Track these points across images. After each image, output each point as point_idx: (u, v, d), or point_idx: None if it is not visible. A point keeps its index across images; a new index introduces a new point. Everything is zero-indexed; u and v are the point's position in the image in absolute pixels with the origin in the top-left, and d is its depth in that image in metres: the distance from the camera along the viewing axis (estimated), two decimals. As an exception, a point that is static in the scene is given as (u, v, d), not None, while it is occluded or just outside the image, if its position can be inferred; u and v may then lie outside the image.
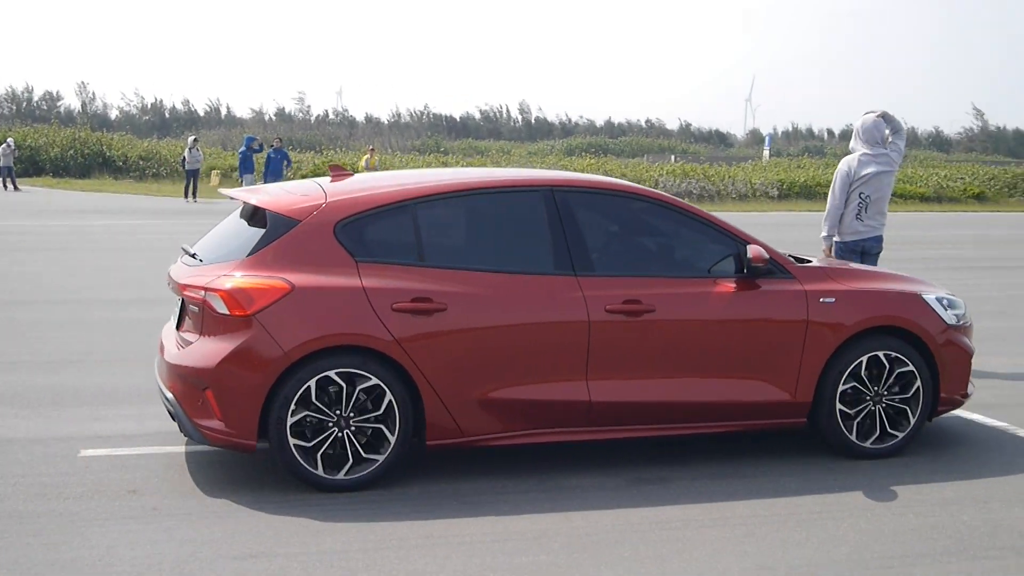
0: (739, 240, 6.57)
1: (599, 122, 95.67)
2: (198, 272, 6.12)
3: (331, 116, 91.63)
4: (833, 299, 6.59)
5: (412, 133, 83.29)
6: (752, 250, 6.42)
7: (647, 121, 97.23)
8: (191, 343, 5.99)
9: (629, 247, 6.76)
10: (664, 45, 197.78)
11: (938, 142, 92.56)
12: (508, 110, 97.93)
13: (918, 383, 6.68)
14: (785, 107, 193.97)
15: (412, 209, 6.20)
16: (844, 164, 9.16)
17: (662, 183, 35.29)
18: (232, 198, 6.68)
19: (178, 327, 6.31)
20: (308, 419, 5.78)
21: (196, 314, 5.98)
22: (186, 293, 6.06)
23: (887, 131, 9.28)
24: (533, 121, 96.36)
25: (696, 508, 5.78)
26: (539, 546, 5.20)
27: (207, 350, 5.83)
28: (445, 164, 42.38)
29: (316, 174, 37.01)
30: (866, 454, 6.65)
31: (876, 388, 6.64)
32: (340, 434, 5.81)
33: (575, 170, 36.45)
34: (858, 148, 9.11)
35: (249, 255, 5.96)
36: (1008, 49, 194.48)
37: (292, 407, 5.74)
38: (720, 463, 6.56)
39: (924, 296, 6.89)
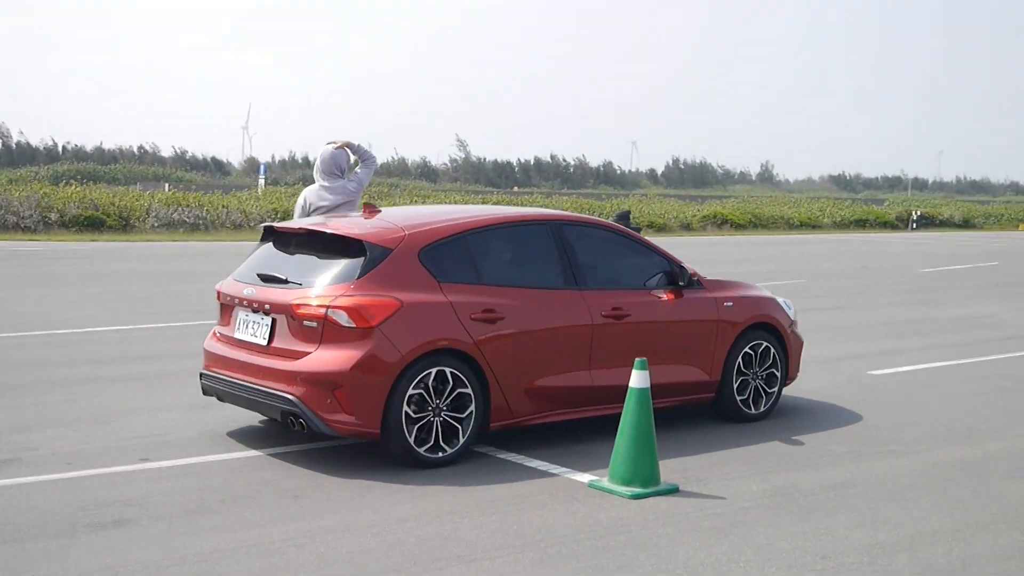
0: (673, 262, 8.67)
1: (88, 148, 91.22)
2: (303, 293, 7.27)
3: None
4: (731, 303, 8.86)
5: None
6: (690, 269, 8.73)
7: (140, 148, 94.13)
8: (308, 353, 7.12)
9: (606, 266, 8.52)
10: (158, 67, 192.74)
11: (426, 172, 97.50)
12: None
13: (779, 364, 9.11)
14: (283, 135, 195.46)
15: (467, 239, 7.76)
16: (301, 197, 9.36)
17: (154, 212, 34.04)
18: (302, 229, 7.82)
19: (269, 342, 7.37)
20: (416, 409, 7.15)
21: (313, 328, 7.13)
22: (300, 311, 7.16)
23: (353, 161, 9.60)
24: (14, 145, 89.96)
25: (157, 552, 5.63)
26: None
27: (335, 357, 7.03)
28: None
29: None
30: (753, 418, 8.96)
31: (754, 369, 8.98)
32: (436, 419, 7.24)
33: (61, 196, 34.41)
34: (317, 179, 9.34)
35: (359, 278, 7.21)
36: (487, 82, 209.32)
37: (406, 400, 7.07)
38: (180, 499, 6.47)
39: (777, 300, 9.34)
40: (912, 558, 5.89)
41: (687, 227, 46.64)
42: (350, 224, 7.79)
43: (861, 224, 54.20)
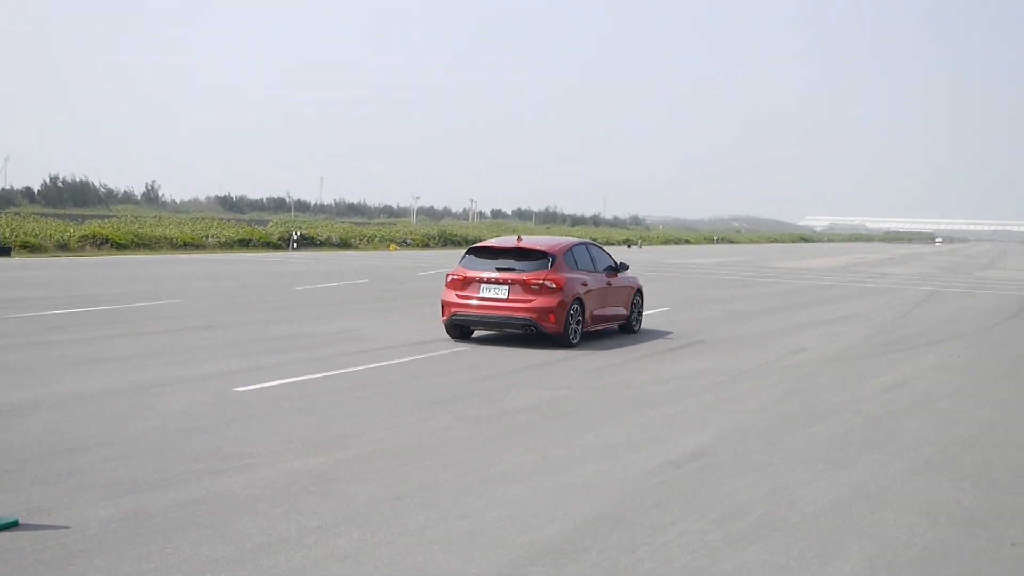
0: (613, 259, 19.49)
1: None
2: (530, 274, 16.78)
3: None
4: (631, 279, 19.85)
5: None
6: (626, 264, 19.82)
7: None
8: (534, 299, 16.59)
9: (601, 261, 18.78)
10: None
11: None
12: None
13: (641, 306, 20.03)
14: None
15: (572, 250, 17.87)
16: None
17: None
18: (511, 247, 17.60)
19: (508, 296, 16.74)
20: (572, 322, 17.12)
21: (536, 288, 16.65)
22: (531, 281, 16.64)
23: None
24: None
25: None
26: None
27: (549, 300, 16.62)
28: None
29: None
30: (635, 333, 19.50)
31: (637, 310, 19.75)
32: (574, 327, 17.19)
33: None
34: None
35: (550, 268, 16.92)
36: None
37: (570, 318, 17.01)
38: None
39: (638, 279, 20.45)
40: (254, 567, 6.01)
41: (64, 247, 44.46)
42: (533, 244, 17.39)
43: (245, 244, 55.04)
